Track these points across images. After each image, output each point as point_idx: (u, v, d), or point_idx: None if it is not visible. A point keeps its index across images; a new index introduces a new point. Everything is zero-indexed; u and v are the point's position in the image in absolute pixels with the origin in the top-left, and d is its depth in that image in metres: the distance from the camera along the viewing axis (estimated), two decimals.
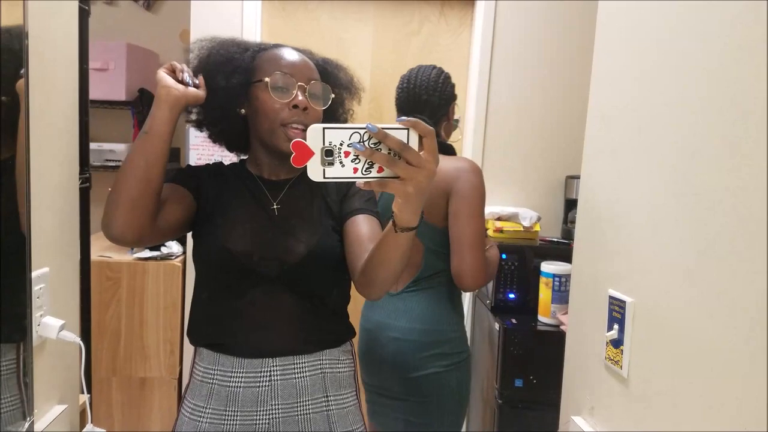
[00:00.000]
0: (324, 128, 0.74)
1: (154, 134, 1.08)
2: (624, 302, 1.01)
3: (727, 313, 0.74)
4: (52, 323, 0.98)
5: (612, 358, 1.04)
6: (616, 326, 1.03)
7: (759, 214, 0.69)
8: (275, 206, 1.23)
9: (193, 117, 1.28)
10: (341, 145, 0.75)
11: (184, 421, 1.21)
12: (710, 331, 0.78)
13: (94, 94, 2.93)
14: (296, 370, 1.18)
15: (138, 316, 2.45)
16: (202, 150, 2.53)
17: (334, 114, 1.32)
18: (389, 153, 0.76)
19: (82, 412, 1.71)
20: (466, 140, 2.71)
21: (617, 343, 1.03)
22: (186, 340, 2.56)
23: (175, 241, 2.53)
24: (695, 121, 0.83)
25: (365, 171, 0.77)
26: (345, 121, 1.34)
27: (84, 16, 1.63)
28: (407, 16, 2.72)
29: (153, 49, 3.13)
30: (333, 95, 1.23)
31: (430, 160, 0.79)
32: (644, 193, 0.96)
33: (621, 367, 1.01)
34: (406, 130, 0.76)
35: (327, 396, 1.21)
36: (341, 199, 1.26)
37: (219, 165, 1.32)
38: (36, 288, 0.97)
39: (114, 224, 1.06)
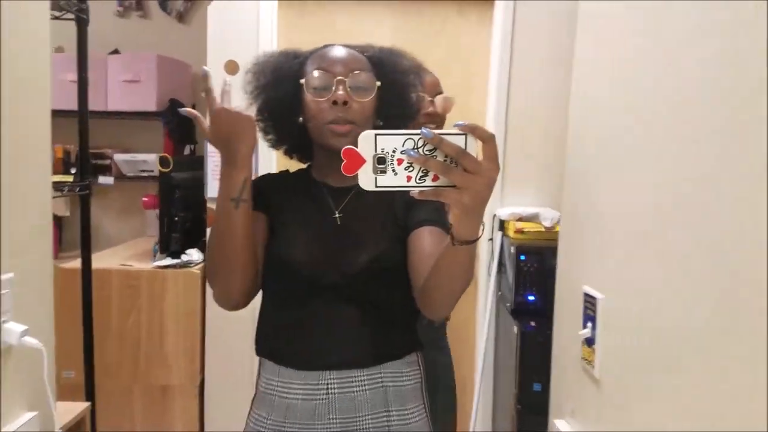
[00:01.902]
0: (376, 134, 0.70)
1: (246, 200, 1.08)
2: (595, 299, 0.95)
3: (697, 309, 0.69)
4: (14, 329, 1.00)
5: (586, 357, 0.99)
6: (590, 324, 0.97)
7: (729, 215, 0.64)
8: (338, 215, 1.19)
9: (268, 137, 1.26)
10: (394, 152, 0.71)
11: (249, 430, 1.20)
12: (680, 329, 0.72)
13: (125, 105, 3.05)
14: (355, 384, 1.14)
15: (158, 323, 2.49)
16: (218, 158, 2.55)
17: (399, 105, 1.22)
18: (445, 160, 0.71)
19: (81, 421, 1.75)
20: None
21: (591, 341, 0.97)
22: (207, 347, 2.63)
23: (195, 249, 2.57)
24: (669, 128, 0.78)
25: (419, 179, 0.72)
26: (414, 114, 1.27)
27: (83, 25, 1.68)
28: (426, 16, 2.69)
29: (185, 60, 3.21)
30: (379, 83, 1.16)
31: (491, 167, 0.73)
32: (619, 194, 0.91)
33: (593, 366, 0.95)
34: (463, 136, 0.71)
35: (389, 411, 1.15)
36: (408, 208, 1.18)
37: (284, 174, 1.30)
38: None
39: (235, 298, 1.13)
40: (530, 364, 2.19)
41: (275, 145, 1.28)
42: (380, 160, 0.70)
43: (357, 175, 0.72)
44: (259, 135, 1.24)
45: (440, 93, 1.80)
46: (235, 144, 1.07)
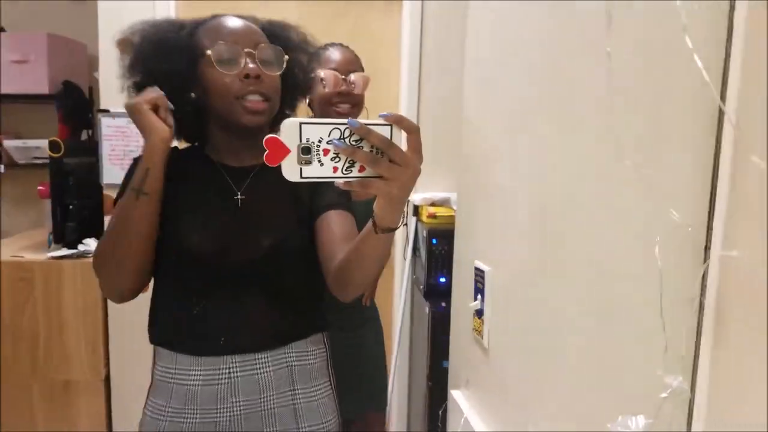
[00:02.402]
0: (300, 123, 0.67)
1: (154, 193, 1.04)
2: (484, 272, 0.98)
3: (569, 281, 0.72)
4: None
5: (477, 329, 1.02)
6: (479, 297, 1.00)
7: (598, 199, 0.67)
8: (239, 196, 1.13)
9: None
10: (320, 142, 0.68)
11: (147, 420, 1.15)
12: (555, 299, 0.75)
13: (15, 87, 2.84)
14: (258, 366, 1.12)
15: (56, 317, 2.35)
16: (115, 141, 2.44)
17: (295, 79, 1.20)
18: (372, 151, 0.71)
19: None
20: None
21: (480, 312, 1.00)
22: (111, 341, 2.52)
23: (92, 239, 2.45)
24: (538, 105, 0.81)
25: (346, 170, 0.70)
26: (308, 87, 1.23)
27: None
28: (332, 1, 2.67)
29: (79, 39, 3.02)
30: (287, 57, 1.12)
31: (416, 158, 0.74)
32: (504, 173, 0.95)
33: (482, 337, 0.98)
34: (389, 126, 0.71)
35: (294, 390, 1.15)
36: (313, 189, 1.16)
37: (174, 152, 1.18)
38: None
39: (124, 292, 1.11)
40: (440, 342, 2.24)
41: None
42: (305, 150, 0.68)
43: (268, 162, 0.69)
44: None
45: (355, 70, 1.68)
46: (145, 134, 1.04)
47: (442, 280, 2.45)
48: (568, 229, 0.70)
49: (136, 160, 1.14)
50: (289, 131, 0.68)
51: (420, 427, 2.50)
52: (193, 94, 1.11)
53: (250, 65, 1.06)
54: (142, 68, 1.13)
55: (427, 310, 2.34)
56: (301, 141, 0.68)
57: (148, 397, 1.18)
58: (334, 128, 0.69)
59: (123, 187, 1.14)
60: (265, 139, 0.68)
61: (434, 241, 2.44)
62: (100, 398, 2.44)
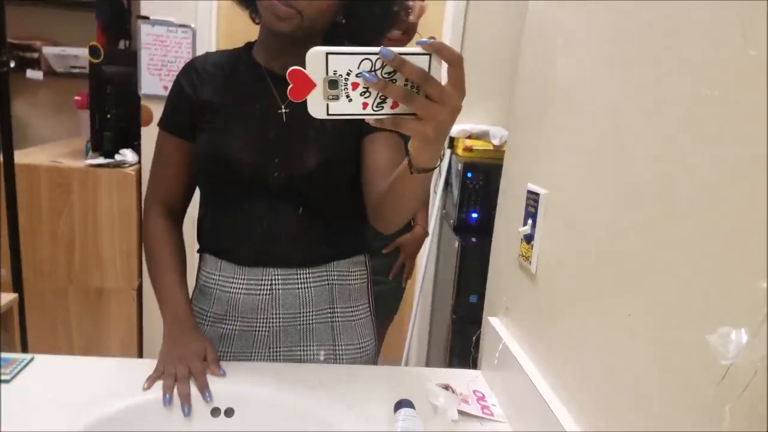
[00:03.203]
0: (327, 53, 0.61)
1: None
2: (538, 195, 0.94)
3: (629, 211, 0.68)
4: None
5: (524, 254, 0.99)
6: (530, 221, 0.97)
7: (666, 123, 0.61)
8: (284, 109, 1.07)
9: None
10: (348, 74, 0.62)
11: None
12: (613, 227, 0.71)
13: None
14: (300, 281, 1.11)
15: (92, 224, 2.39)
16: (154, 50, 2.40)
17: (369, 8, 1.06)
18: (406, 84, 0.63)
19: (9, 311, 1.69)
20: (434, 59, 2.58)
21: (529, 238, 0.97)
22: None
23: (129, 150, 2.45)
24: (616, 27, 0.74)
25: (377, 107, 0.64)
26: (392, 20, 1.12)
27: None
28: None
29: None
30: None
31: (455, 95, 0.65)
32: (563, 89, 0.88)
33: (531, 263, 0.95)
34: (427, 56, 0.62)
35: (333, 308, 1.14)
36: None
37: (218, 56, 1.15)
38: None
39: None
40: (468, 277, 2.23)
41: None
42: (332, 84, 0.62)
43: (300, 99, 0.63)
44: None
45: None
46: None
47: (474, 215, 2.41)
48: (644, 157, 0.65)
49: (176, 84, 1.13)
50: (314, 62, 0.61)
51: (440, 359, 2.53)
52: None
53: None
54: None
55: (456, 244, 2.32)
56: (327, 74, 0.62)
57: (191, 300, 1.18)
58: (364, 59, 0.62)
59: (165, 111, 1.14)
60: (288, 70, 0.62)
61: (469, 174, 2.39)
62: (132, 306, 2.50)
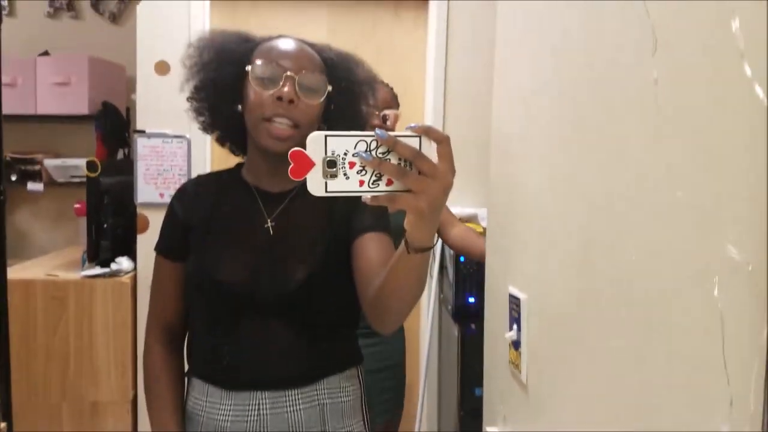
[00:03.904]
0: (326, 136, 0.65)
1: None
2: (519, 299, 0.93)
3: (617, 306, 0.66)
4: None
5: (513, 361, 0.96)
6: (515, 326, 0.95)
7: (636, 210, 0.62)
8: (269, 224, 1.10)
9: (200, 118, 1.17)
10: (345, 154, 0.65)
11: None
12: (600, 328, 0.70)
13: (56, 108, 2.91)
14: (288, 404, 1.08)
15: (87, 336, 2.36)
16: (150, 160, 2.46)
17: (347, 114, 1.15)
18: (399, 163, 0.67)
19: None
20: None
21: (517, 344, 0.94)
22: (139, 361, 2.51)
23: (125, 257, 2.46)
24: (579, 125, 0.76)
25: (372, 184, 0.67)
26: (366, 122, 1.19)
27: None
28: (361, 17, 2.66)
29: (118, 61, 3.09)
30: (330, 88, 1.08)
31: (447, 170, 0.69)
32: (534, 191, 0.89)
33: (521, 371, 0.93)
34: (417, 138, 0.67)
35: (325, 431, 1.10)
36: (349, 215, 1.11)
37: (210, 177, 1.22)
38: None
39: None
40: (471, 368, 2.17)
41: (207, 129, 1.18)
42: (330, 164, 0.65)
43: (305, 179, 0.66)
44: (192, 115, 1.17)
45: (391, 108, 1.79)
46: None
47: (471, 300, 2.38)
48: (615, 263, 0.65)
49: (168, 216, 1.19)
50: (314, 144, 0.65)
51: None
52: (239, 107, 1.09)
53: (286, 89, 1.03)
54: (200, 72, 1.12)
55: (456, 332, 2.27)
56: (326, 154, 0.65)
57: None
58: (360, 140, 0.66)
59: (161, 236, 1.18)
60: (290, 151, 0.65)
61: (462, 258, 2.38)
62: (126, 419, 2.43)
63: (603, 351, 0.68)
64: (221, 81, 1.09)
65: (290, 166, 0.65)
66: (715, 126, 0.47)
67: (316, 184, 0.65)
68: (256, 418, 1.07)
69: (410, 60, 2.68)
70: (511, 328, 0.96)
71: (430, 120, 2.60)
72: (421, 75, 2.69)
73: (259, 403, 1.07)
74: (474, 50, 2.59)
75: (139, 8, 2.49)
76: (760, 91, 0.41)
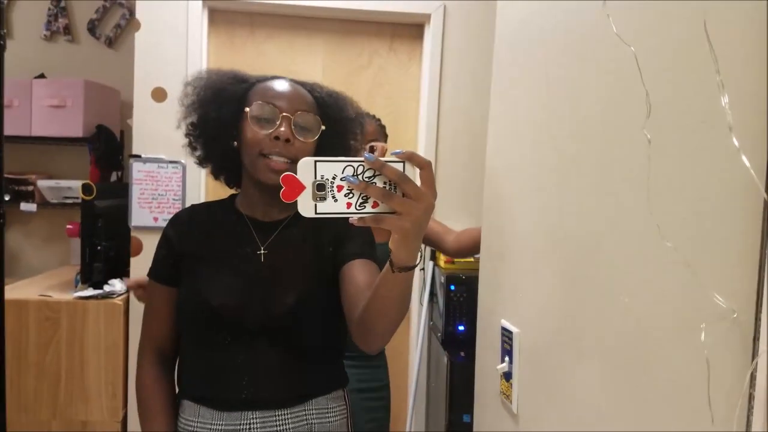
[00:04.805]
0: (316, 161, 0.70)
1: None
2: (511, 333, 0.98)
3: (605, 346, 0.72)
4: None
5: (505, 392, 1.01)
6: (507, 358, 1.00)
7: (625, 256, 0.67)
8: (262, 251, 1.16)
9: (197, 153, 1.23)
10: (334, 178, 0.71)
11: None
12: (588, 365, 0.75)
13: (51, 130, 2.94)
14: (278, 423, 1.11)
15: (78, 356, 2.37)
16: (145, 185, 2.50)
17: (345, 150, 1.23)
18: (385, 186, 0.72)
19: None
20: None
21: (508, 376, 0.99)
22: (130, 381, 2.52)
23: (118, 279, 2.48)
24: (570, 170, 0.82)
25: (359, 206, 0.72)
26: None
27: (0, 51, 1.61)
28: (357, 49, 2.74)
29: (113, 85, 3.13)
30: (324, 127, 1.15)
31: (429, 193, 0.75)
32: (525, 231, 0.95)
33: (512, 402, 0.97)
34: (402, 164, 0.73)
35: None
36: (338, 242, 1.16)
37: (204, 207, 1.27)
38: None
39: None
40: (460, 395, 2.20)
41: (202, 163, 1.25)
42: (320, 187, 0.70)
43: (295, 203, 0.71)
44: (187, 150, 1.23)
45: (377, 140, 1.84)
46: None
47: (461, 328, 2.42)
48: (605, 306, 0.70)
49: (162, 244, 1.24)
50: (304, 169, 0.70)
51: None
52: (235, 143, 1.16)
53: (282, 129, 1.10)
54: (198, 110, 1.18)
55: (445, 360, 2.31)
56: (316, 178, 0.70)
57: None
58: (347, 165, 0.71)
59: (154, 262, 1.23)
60: (282, 176, 0.70)
61: (452, 287, 2.42)
62: None
63: (592, 386, 0.73)
64: (219, 120, 1.16)
65: (282, 190, 0.70)
66: (704, 186, 0.53)
67: (306, 206, 0.71)
68: None
69: (404, 91, 2.75)
70: (503, 360, 1.01)
71: (422, 149, 2.67)
72: (415, 106, 2.76)
73: (249, 423, 1.11)
74: (467, 83, 2.66)
75: (137, 36, 2.54)
76: (745, 160, 0.47)
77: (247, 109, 1.12)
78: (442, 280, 2.46)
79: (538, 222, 0.93)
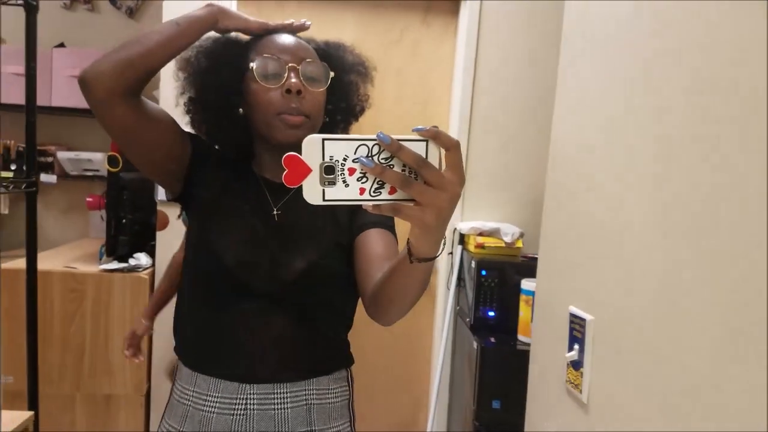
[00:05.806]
0: (323, 139, 0.60)
1: (183, 29, 1.01)
2: (584, 320, 0.93)
3: (693, 333, 0.67)
4: None
5: (572, 381, 0.96)
6: (576, 346, 0.95)
7: (722, 228, 0.62)
8: (276, 212, 1.10)
9: (201, 131, 1.14)
10: (345, 160, 0.60)
11: None
12: (673, 353, 0.70)
13: (71, 101, 2.89)
14: (276, 400, 1.07)
15: (103, 330, 2.35)
16: None
17: (348, 101, 1.16)
18: (404, 170, 0.62)
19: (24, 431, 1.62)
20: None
21: (577, 364, 0.95)
22: (153, 355, 2.51)
23: (143, 253, 2.45)
24: (662, 137, 0.76)
25: (374, 192, 0.62)
26: (360, 112, 1.18)
27: (32, 13, 1.55)
28: (389, 23, 2.66)
29: None
30: (333, 74, 1.08)
31: (455, 180, 0.63)
32: (609, 207, 0.89)
33: (581, 391, 0.93)
34: (424, 143, 0.61)
35: (312, 430, 1.09)
36: (354, 209, 1.09)
37: (223, 154, 1.17)
38: None
39: (100, 67, 0.99)
40: (490, 381, 2.17)
41: (209, 137, 1.15)
42: (328, 170, 0.60)
43: (295, 186, 0.61)
44: (192, 128, 1.15)
45: None
46: None
47: (491, 314, 2.38)
48: (695, 300, 0.65)
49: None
50: (310, 148, 0.60)
51: None
52: (241, 110, 1.09)
53: (293, 80, 1.03)
54: (195, 83, 1.11)
55: (475, 345, 2.27)
56: (323, 159, 0.60)
57: (163, 416, 1.14)
58: (361, 144, 0.60)
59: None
60: (284, 156, 0.60)
61: (483, 272, 2.38)
62: (139, 413, 2.42)
63: (671, 379, 0.68)
64: (221, 86, 1.08)
65: (285, 173, 0.60)
66: None
67: (312, 192, 0.61)
68: (242, 413, 1.06)
69: (438, 66, 2.68)
70: (570, 348, 0.96)
71: (455, 128, 2.60)
72: (448, 82, 2.69)
73: (246, 398, 1.06)
74: (506, 56, 2.59)
75: (165, 5, 2.48)
76: None
77: (252, 65, 1.05)
78: (473, 265, 2.41)
79: (616, 203, 0.87)
